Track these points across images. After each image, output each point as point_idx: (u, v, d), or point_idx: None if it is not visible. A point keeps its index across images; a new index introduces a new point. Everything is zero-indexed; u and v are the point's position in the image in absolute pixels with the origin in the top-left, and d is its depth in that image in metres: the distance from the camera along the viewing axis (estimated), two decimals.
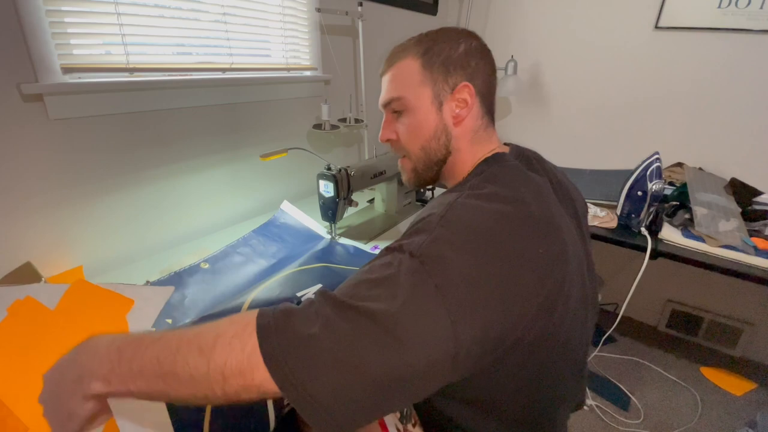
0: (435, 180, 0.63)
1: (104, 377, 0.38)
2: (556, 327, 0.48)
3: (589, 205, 1.32)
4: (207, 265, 0.91)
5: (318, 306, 0.38)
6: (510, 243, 0.44)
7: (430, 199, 1.40)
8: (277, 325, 0.36)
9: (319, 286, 0.81)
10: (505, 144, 0.63)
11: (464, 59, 0.57)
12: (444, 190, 0.61)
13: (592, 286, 0.61)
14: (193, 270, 0.89)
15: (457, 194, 0.48)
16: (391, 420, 0.65)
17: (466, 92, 0.56)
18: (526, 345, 0.45)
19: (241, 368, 0.35)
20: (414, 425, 0.64)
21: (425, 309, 0.37)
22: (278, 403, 0.65)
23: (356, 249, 1.02)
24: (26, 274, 0.75)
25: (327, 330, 0.36)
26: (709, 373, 1.61)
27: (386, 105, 0.62)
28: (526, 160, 0.59)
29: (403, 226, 1.20)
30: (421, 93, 0.58)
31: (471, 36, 0.59)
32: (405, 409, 0.64)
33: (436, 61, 0.57)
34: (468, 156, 0.59)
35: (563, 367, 0.53)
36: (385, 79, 0.62)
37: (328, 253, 0.98)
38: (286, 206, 1.16)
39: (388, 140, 0.64)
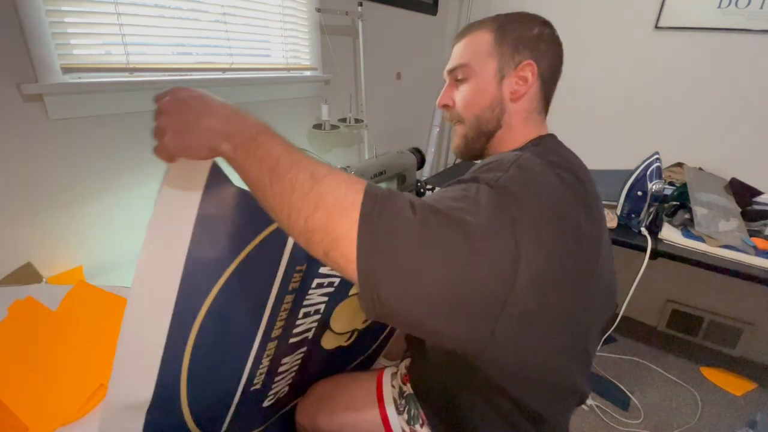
0: (481, 153, 0.65)
1: (235, 145, 0.41)
2: (582, 308, 0.49)
3: None
4: None
5: (414, 201, 0.39)
6: (568, 206, 0.45)
7: None
8: (384, 196, 0.38)
9: None
10: None
11: (535, 41, 0.58)
12: None
13: (613, 283, 0.62)
14: None
15: (519, 152, 0.49)
16: (398, 422, 0.65)
17: (529, 70, 0.58)
18: (557, 318, 0.46)
19: (335, 209, 0.37)
20: (422, 425, 0.64)
21: (500, 235, 0.39)
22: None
23: None
24: (27, 275, 0.75)
25: (421, 220, 0.37)
26: (709, 373, 1.61)
27: (451, 71, 0.64)
28: (572, 152, 0.61)
29: None
30: (487, 63, 0.59)
31: (546, 24, 0.61)
32: (412, 410, 0.64)
33: (509, 37, 0.58)
34: (517, 134, 0.60)
35: (576, 354, 0.54)
36: (457, 47, 0.63)
37: None
38: None
39: (444, 106, 0.66)
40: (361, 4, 1.31)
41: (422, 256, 0.36)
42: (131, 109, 0.89)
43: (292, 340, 0.66)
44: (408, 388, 0.67)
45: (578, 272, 0.46)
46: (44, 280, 0.76)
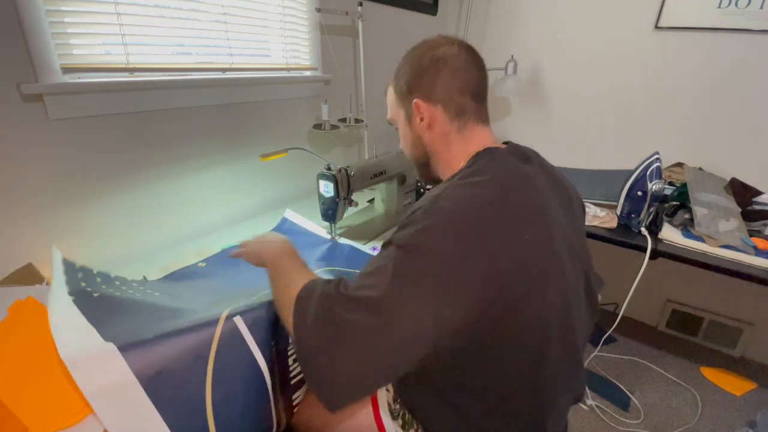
0: (432, 177, 0.71)
1: (271, 261, 0.64)
2: (546, 313, 0.50)
3: (589, 205, 1.33)
4: (204, 264, 0.92)
5: (327, 291, 0.49)
6: (493, 227, 0.47)
7: None
8: (303, 298, 0.51)
9: None
10: (503, 143, 0.64)
11: (419, 78, 0.63)
12: None
13: (588, 280, 0.62)
14: (189, 269, 0.90)
15: (445, 185, 0.53)
16: (392, 427, 0.65)
17: (421, 107, 0.63)
18: (517, 328, 0.47)
19: (287, 316, 0.52)
20: (416, 431, 0.64)
21: (408, 292, 0.44)
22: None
23: (355, 250, 1.02)
24: (28, 275, 0.75)
25: (315, 321, 0.47)
26: (709, 373, 1.61)
27: (390, 124, 0.74)
28: (521, 155, 0.60)
29: None
30: (398, 113, 0.69)
31: (435, 45, 0.63)
32: (407, 416, 0.64)
33: (400, 85, 0.66)
34: (448, 156, 0.64)
35: (560, 355, 0.54)
36: None
37: (328, 256, 0.98)
38: (290, 214, 1.15)
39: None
40: (361, 4, 1.32)
41: (341, 340, 0.44)
42: (131, 109, 0.89)
43: (293, 381, 0.68)
44: None
45: (529, 280, 0.48)
46: (45, 280, 0.76)
